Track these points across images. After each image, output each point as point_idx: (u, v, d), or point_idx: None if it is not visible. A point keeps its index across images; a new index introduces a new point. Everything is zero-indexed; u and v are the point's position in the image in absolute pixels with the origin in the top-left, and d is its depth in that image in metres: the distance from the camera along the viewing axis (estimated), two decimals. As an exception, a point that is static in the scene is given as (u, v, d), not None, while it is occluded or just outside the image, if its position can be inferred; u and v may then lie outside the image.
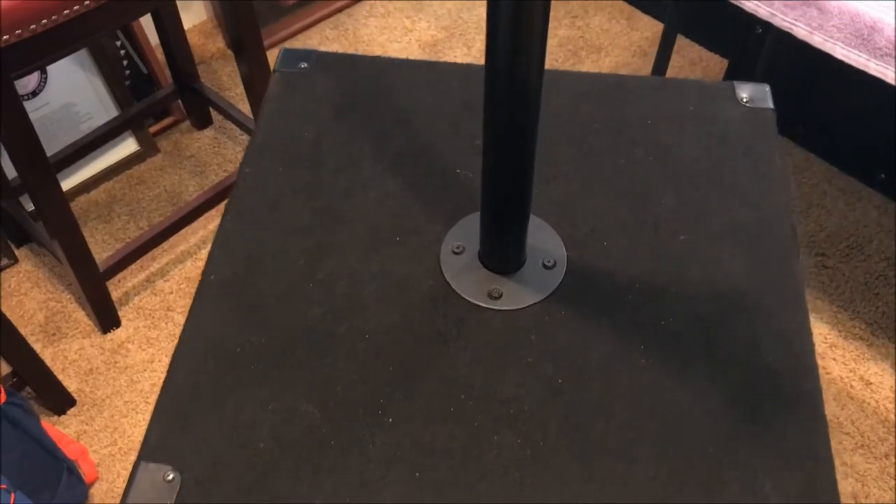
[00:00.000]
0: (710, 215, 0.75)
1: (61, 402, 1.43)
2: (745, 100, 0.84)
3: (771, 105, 0.84)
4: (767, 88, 0.85)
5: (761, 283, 0.70)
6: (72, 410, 1.44)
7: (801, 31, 0.98)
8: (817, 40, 0.97)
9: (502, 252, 0.72)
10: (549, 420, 0.63)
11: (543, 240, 0.74)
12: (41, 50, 1.14)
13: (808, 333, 0.67)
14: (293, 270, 0.72)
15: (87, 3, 1.16)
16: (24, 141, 1.20)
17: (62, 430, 1.41)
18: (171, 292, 1.60)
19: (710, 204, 0.76)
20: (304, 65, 0.89)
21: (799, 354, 0.66)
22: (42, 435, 1.28)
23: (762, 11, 1.00)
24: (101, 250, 1.65)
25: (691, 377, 0.65)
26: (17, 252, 1.66)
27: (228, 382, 0.65)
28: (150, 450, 0.62)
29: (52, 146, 1.66)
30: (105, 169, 1.76)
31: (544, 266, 0.72)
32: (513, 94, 0.59)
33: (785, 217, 0.75)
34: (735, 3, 1.03)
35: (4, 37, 1.07)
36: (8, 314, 1.56)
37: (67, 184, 1.73)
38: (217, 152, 1.82)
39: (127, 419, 1.43)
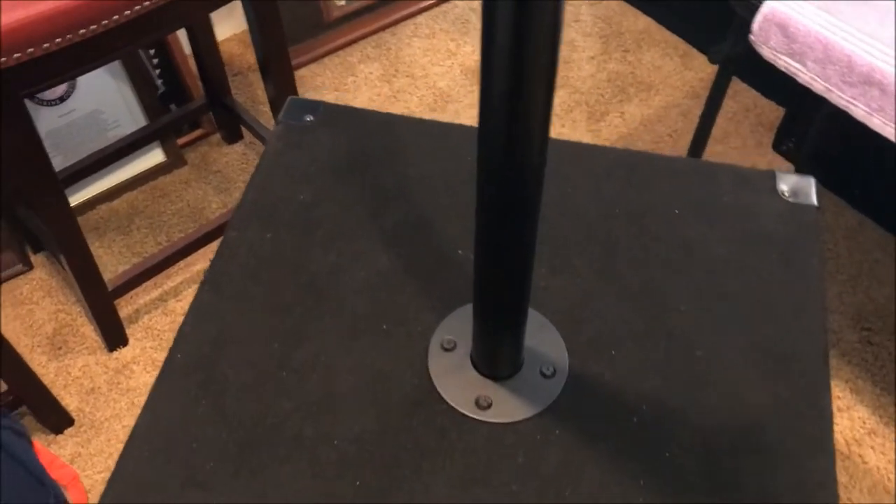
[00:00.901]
0: (732, 330, 0.67)
1: (59, 421, 1.39)
2: (786, 193, 0.76)
3: (815, 201, 0.75)
4: (813, 182, 0.76)
5: (783, 419, 0.62)
6: (69, 431, 1.40)
7: (859, 112, 0.89)
8: (877, 123, 0.88)
9: (495, 354, 0.65)
10: (527, 562, 0.56)
11: (544, 342, 0.66)
12: (68, 64, 1.10)
13: (833, 485, 0.59)
14: (265, 355, 0.66)
15: (115, 18, 1.11)
16: (31, 155, 1.16)
17: (57, 450, 1.37)
18: (183, 314, 1.55)
19: (735, 316, 0.68)
20: (309, 117, 0.82)
21: (819, 513, 0.57)
22: (32, 460, 1.25)
23: (818, 86, 0.91)
24: (117, 263, 1.62)
25: (693, 524, 0.57)
26: (33, 258, 1.63)
27: (176, 485, 0.59)
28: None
29: (76, 153, 1.63)
30: (129, 179, 1.73)
31: (542, 374, 0.65)
32: (510, 164, 0.49)
33: (818, 340, 0.66)
34: (788, 73, 0.94)
35: (25, 51, 1.03)
36: (17, 323, 1.54)
37: (90, 192, 1.70)
38: (244, 169, 1.78)
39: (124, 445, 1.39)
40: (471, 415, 0.63)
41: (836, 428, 1.38)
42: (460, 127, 0.82)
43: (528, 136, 0.47)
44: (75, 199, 1.69)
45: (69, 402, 1.43)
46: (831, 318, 1.53)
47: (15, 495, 1.19)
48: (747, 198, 0.76)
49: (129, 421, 1.41)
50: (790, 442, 0.61)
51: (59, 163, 1.61)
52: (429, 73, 1.98)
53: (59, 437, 1.39)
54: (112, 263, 1.62)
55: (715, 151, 1.80)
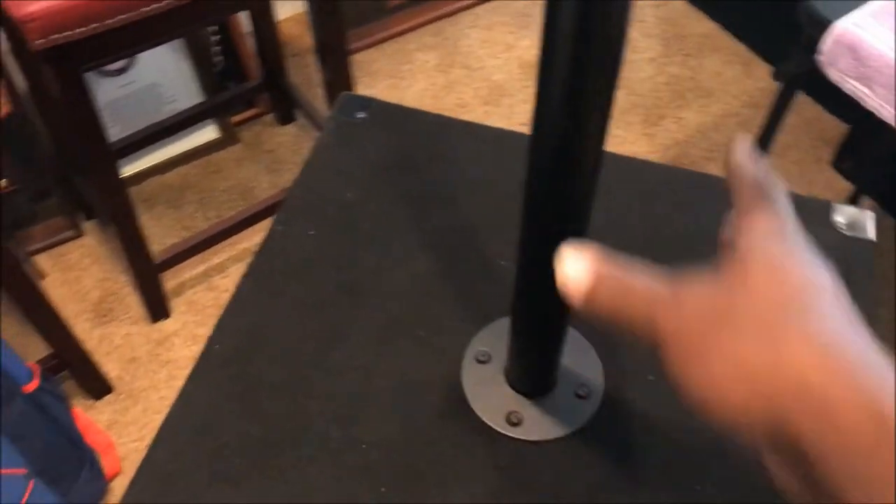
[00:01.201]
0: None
1: (99, 388, 1.43)
2: (842, 225, 0.73)
3: (872, 236, 0.73)
4: (870, 216, 0.74)
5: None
6: (107, 398, 1.43)
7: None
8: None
9: (530, 370, 0.64)
10: (546, 586, 0.55)
11: (582, 362, 0.65)
12: (130, 41, 1.12)
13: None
14: (300, 354, 0.66)
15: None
16: (86, 128, 1.18)
17: (95, 416, 1.41)
18: (227, 290, 1.58)
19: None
20: (361, 114, 0.82)
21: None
22: (70, 425, 1.28)
23: (885, 113, 0.88)
24: (165, 235, 1.65)
25: (719, 563, 0.56)
26: (84, 225, 1.66)
27: (205, 477, 0.60)
28: (109, 540, 0.58)
29: (133, 124, 1.66)
30: (183, 153, 1.76)
31: (577, 395, 0.64)
32: (563, 168, 0.46)
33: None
34: (854, 97, 0.91)
35: (80, 29, 1.05)
36: (65, 289, 1.57)
37: (144, 164, 1.72)
38: (296, 151, 1.79)
39: (159, 416, 1.41)
40: (500, 430, 0.62)
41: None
42: (513, 134, 0.81)
43: (585, 139, 0.44)
44: (129, 170, 1.72)
45: (110, 369, 1.46)
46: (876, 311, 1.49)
47: (51, 458, 1.22)
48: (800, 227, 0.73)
49: (167, 392, 1.44)
50: (826, 486, 0.59)
51: (115, 133, 1.64)
52: (485, 66, 1.97)
53: (98, 403, 1.42)
54: (160, 236, 1.64)
55: (772, 164, 1.76)
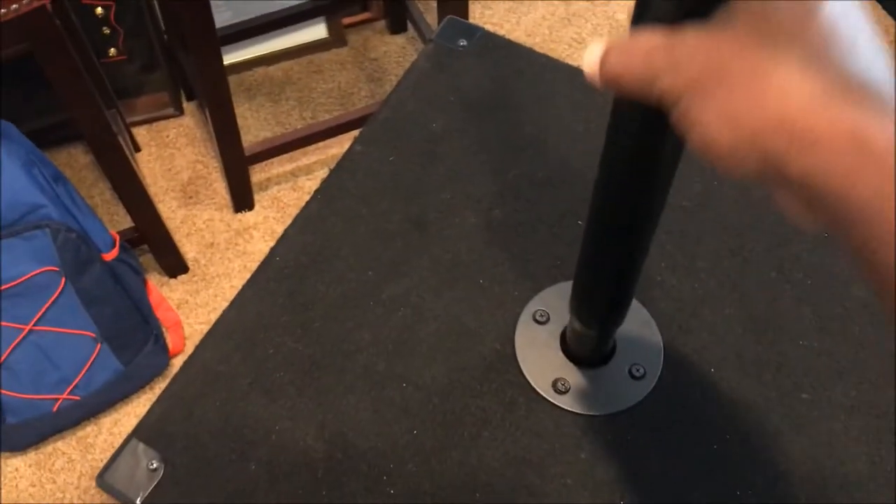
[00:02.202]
0: (846, 380, 0.61)
1: (175, 266, 1.47)
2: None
3: None
4: None
5: (875, 486, 0.56)
6: (182, 277, 1.47)
7: None
8: None
9: (585, 338, 0.62)
10: (561, 561, 0.54)
11: (643, 340, 0.63)
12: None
13: (912, 579, 0.54)
14: (358, 281, 0.65)
15: None
16: (194, 7, 1.18)
17: (167, 292, 1.45)
18: (310, 193, 1.58)
19: (854, 366, 0.61)
20: (463, 42, 0.79)
21: None
22: (142, 298, 1.32)
23: None
24: (260, 128, 1.65)
25: (745, 574, 0.54)
26: (185, 105, 1.69)
27: (245, 385, 0.60)
28: (147, 430, 0.59)
29: (245, 12, 1.65)
30: (289, 48, 1.75)
31: (631, 374, 0.61)
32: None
33: (945, 417, 0.60)
34: None
35: None
36: (158, 164, 1.61)
37: (250, 53, 1.73)
38: (400, 63, 1.76)
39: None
40: (545, 395, 0.60)
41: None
42: (616, 87, 0.76)
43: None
44: (234, 58, 1.72)
45: (188, 250, 1.50)
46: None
47: (120, 326, 1.27)
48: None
49: (238, 282, 1.47)
50: (878, 520, 0.55)
51: (227, 18, 1.64)
52: (610, 1, 1.88)
53: (172, 281, 1.47)
54: (255, 128, 1.65)
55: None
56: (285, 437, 0.58)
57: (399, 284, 0.65)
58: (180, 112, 1.67)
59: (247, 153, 1.45)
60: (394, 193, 0.69)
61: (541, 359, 0.62)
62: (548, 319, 0.63)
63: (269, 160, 1.57)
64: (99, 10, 1.48)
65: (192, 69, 1.57)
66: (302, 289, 0.64)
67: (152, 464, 0.57)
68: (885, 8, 1.72)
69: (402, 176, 0.70)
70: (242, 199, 1.54)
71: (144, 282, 1.37)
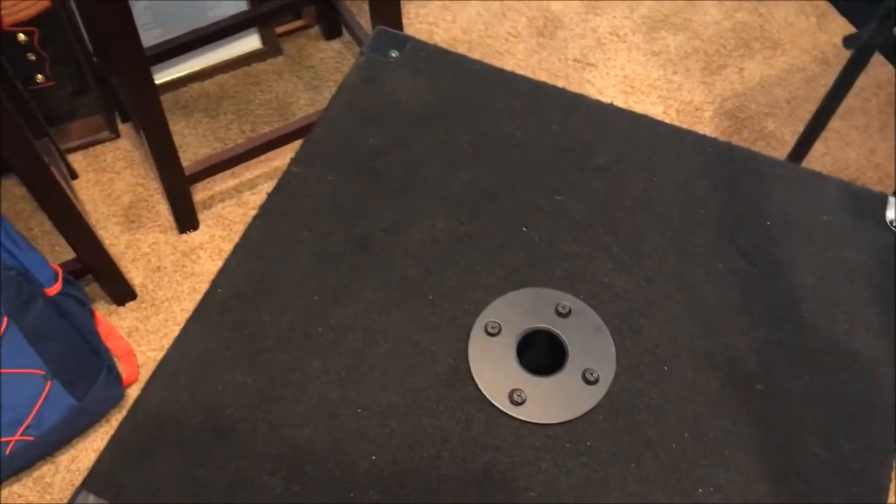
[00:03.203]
0: (801, 369, 0.61)
1: (123, 293, 1.43)
2: (894, 224, 0.68)
3: (927, 238, 0.68)
4: (929, 216, 0.68)
5: (834, 480, 0.57)
6: (130, 304, 1.44)
7: None
8: None
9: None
10: (530, 576, 0.54)
11: (595, 345, 0.62)
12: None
13: (874, 561, 0.55)
14: (304, 308, 0.63)
15: None
16: (120, 28, 1.15)
17: (117, 321, 1.42)
18: (255, 208, 1.56)
19: (807, 354, 0.62)
20: (395, 53, 0.78)
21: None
22: (90, 330, 1.29)
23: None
24: (199, 146, 1.62)
25: (712, 572, 0.54)
26: (121, 127, 1.65)
27: (196, 425, 0.59)
28: (96, 480, 0.57)
29: (175, 28, 1.62)
30: (224, 62, 1.72)
31: (585, 379, 0.61)
32: None
33: (891, 397, 0.61)
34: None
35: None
36: (97, 190, 1.57)
37: (183, 69, 1.69)
38: (338, 69, 1.74)
39: (180, 327, 1.42)
40: (502, 408, 0.60)
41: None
42: (554, 89, 0.76)
43: None
44: (167, 75, 1.69)
45: (134, 276, 1.46)
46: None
47: (70, 361, 1.24)
48: (850, 221, 0.68)
49: (189, 305, 1.44)
50: (837, 505, 0.56)
51: (156, 35, 1.60)
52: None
53: (120, 309, 1.43)
54: (194, 145, 1.62)
55: (833, 127, 1.67)
56: (241, 476, 0.57)
57: (347, 308, 0.63)
58: (116, 135, 1.63)
59: (187, 172, 1.42)
60: (335, 214, 0.68)
61: (495, 371, 0.61)
62: (500, 331, 0.63)
63: (211, 177, 1.54)
64: (21, 36, 1.43)
65: (123, 91, 1.53)
66: (247, 320, 0.63)
67: (104, 515, 0.55)
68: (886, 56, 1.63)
69: (342, 195, 0.69)
70: (186, 219, 1.51)
71: (92, 313, 1.33)
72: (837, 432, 0.59)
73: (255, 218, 0.68)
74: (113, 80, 1.54)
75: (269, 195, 0.69)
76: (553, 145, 0.72)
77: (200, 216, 1.53)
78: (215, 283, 0.65)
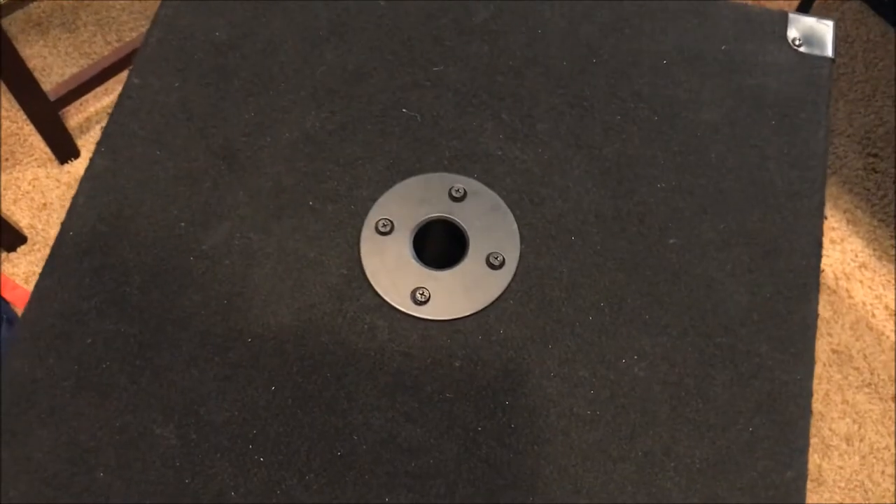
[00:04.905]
0: (714, 213, 0.57)
1: (11, 239, 1.33)
2: (797, 41, 0.63)
3: (830, 53, 0.63)
4: (830, 28, 0.64)
5: (760, 323, 0.54)
6: (22, 248, 1.34)
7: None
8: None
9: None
10: (458, 482, 0.50)
11: (495, 225, 0.57)
12: None
13: (808, 399, 0.53)
14: (171, 237, 0.57)
15: None
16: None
17: (11, 269, 1.32)
18: (138, 122, 1.45)
19: (718, 196, 0.58)
20: (229, -72, 0.68)
21: (790, 441, 0.51)
22: (-20, 284, 1.20)
23: None
24: (64, 65, 1.48)
25: (645, 442, 0.51)
26: (-29, 58, 1.49)
27: (70, 388, 0.53)
28: (-33, 467, 0.51)
29: (7, -64, 1.44)
30: (71, -34, 1.55)
31: (489, 263, 0.56)
32: None
33: (813, 228, 0.57)
34: None
35: None
36: (-42, 131, 1.43)
37: (27, -19, 1.52)
38: (201, -44, 1.58)
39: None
40: (405, 310, 0.55)
41: (826, 261, 1.33)
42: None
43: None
44: (12, -10, 1.52)
45: (20, 218, 1.36)
46: (836, 142, 1.43)
47: (-35, 320, 1.15)
48: (750, 47, 0.63)
49: (87, 239, 1.35)
50: (765, 350, 0.53)
51: (-13, -52, 1.43)
52: None
53: (12, 255, 1.33)
54: (58, 66, 1.48)
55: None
56: (130, 433, 0.51)
57: (218, 230, 0.57)
58: (-32, 67, 1.48)
59: (52, 98, 1.30)
60: (188, 126, 0.60)
61: (394, 272, 0.56)
62: (392, 228, 0.57)
63: (83, 98, 1.41)
64: None
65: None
66: (108, 262, 0.56)
67: (-16, 503, 0.50)
68: (881, 13, 1.54)
69: (195, 103, 0.61)
70: (64, 148, 1.39)
71: (-22, 266, 1.24)
72: (758, 275, 0.55)
73: (99, 144, 0.60)
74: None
75: (111, 116, 0.61)
76: (423, 9, 0.65)
77: (80, 142, 1.41)
78: (65, 227, 0.57)
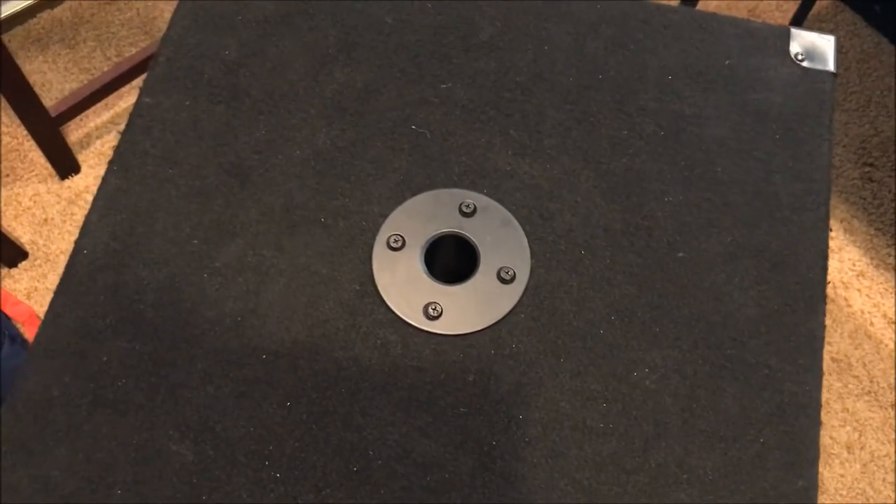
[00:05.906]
0: (722, 226, 0.58)
1: (13, 254, 1.33)
2: (799, 56, 0.64)
3: (832, 67, 0.64)
4: (832, 43, 0.65)
5: (770, 336, 0.55)
6: (23, 264, 1.34)
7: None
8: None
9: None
10: (473, 496, 0.51)
11: (505, 240, 0.58)
12: None
13: (817, 410, 0.53)
14: (183, 254, 0.57)
15: None
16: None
17: (12, 285, 1.32)
18: (138, 137, 1.45)
19: (726, 210, 0.59)
20: (237, -53, 0.68)
21: (800, 452, 0.52)
22: (-18, 300, 1.20)
23: None
24: (63, 80, 1.49)
25: (658, 454, 0.52)
26: (-29, 74, 1.49)
27: (87, 405, 0.53)
28: (-17, 485, 0.51)
29: (6, -47, 1.45)
30: (71, -18, 1.55)
31: (500, 278, 0.57)
32: None
33: (819, 240, 0.58)
34: None
35: None
36: (-41, 148, 1.43)
37: (27, -2, 1.53)
38: (199, -29, 1.59)
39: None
40: (418, 325, 0.55)
41: (823, 270, 1.33)
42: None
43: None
44: (10, 8, 1.52)
45: (21, 234, 1.36)
46: (832, 152, 1.43)
47: (-33, 337, 1.15)
48: (753, 62, 0.64)
49: (88, 254, 1.35)
50: (774, 362, 0.54)
51: (-13, -35, 1.43)
52: None
53: (13, 271, 1.33)
54: (58, 82, 1.48)
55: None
56: (146, 450, 0.51)
57: (231, 247, 0.57)
58: (-32, 83, 1.48)
59: (53, 113, 1.30)
60: (200, 144, 0.61)
61: (405, 288, 0.56)
62: (403, 243, 0.58)
63: (83, 113, 1.41)
64: None
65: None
66: (122, 280, 0.56)
67: (2, 522, 0.50)
68: (874, 25, 1.55)
69: (205, 121, 0.61)
70: (65, 163, 1.39)
71: (-20, 282, 1.24)
72: (766, 287, 0.56)
73: (111, 163, 0.60)
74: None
75: (122, 134, 0.61)
76: (431, 27, 0.65)
77: (80, 157, 1.42)
78: (78, 246, 0.58)
